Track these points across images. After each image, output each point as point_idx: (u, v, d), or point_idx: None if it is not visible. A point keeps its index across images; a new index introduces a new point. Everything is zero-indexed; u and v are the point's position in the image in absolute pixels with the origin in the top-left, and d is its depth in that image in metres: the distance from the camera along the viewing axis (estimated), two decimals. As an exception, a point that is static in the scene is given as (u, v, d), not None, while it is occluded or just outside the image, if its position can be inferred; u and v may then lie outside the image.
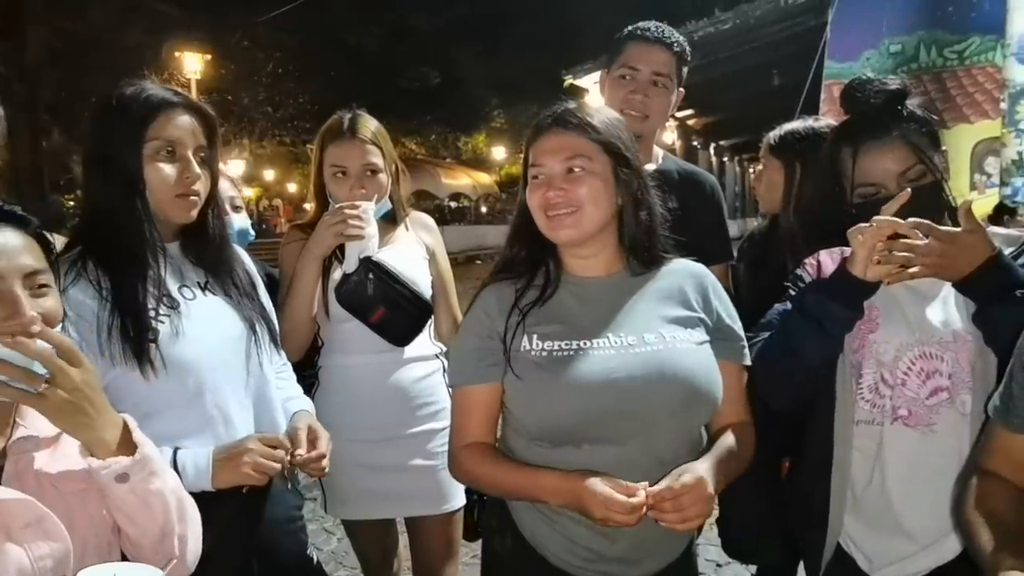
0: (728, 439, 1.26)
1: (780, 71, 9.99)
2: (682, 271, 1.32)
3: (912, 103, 1.35)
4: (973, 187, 3.36)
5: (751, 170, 26.74)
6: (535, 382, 1.20)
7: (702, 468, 1.14)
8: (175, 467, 1.17)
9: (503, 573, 1.34)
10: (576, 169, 1.21)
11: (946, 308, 1.32)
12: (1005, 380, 1.02)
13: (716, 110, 14.70)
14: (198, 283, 1.33)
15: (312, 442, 1.37)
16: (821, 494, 1.39)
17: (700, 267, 1.35)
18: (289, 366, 1.58)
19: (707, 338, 1.27)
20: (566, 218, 1.21)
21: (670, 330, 1.24)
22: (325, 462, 1.37)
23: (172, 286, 1.27)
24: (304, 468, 1.36)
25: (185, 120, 1.27)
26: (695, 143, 17.58)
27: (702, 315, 1.28)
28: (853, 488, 1.37)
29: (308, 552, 1.43)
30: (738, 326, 1.32)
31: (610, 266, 1.29)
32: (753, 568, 2.23)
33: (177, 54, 17.92)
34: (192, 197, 1.29)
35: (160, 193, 1.26)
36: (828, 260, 1.45)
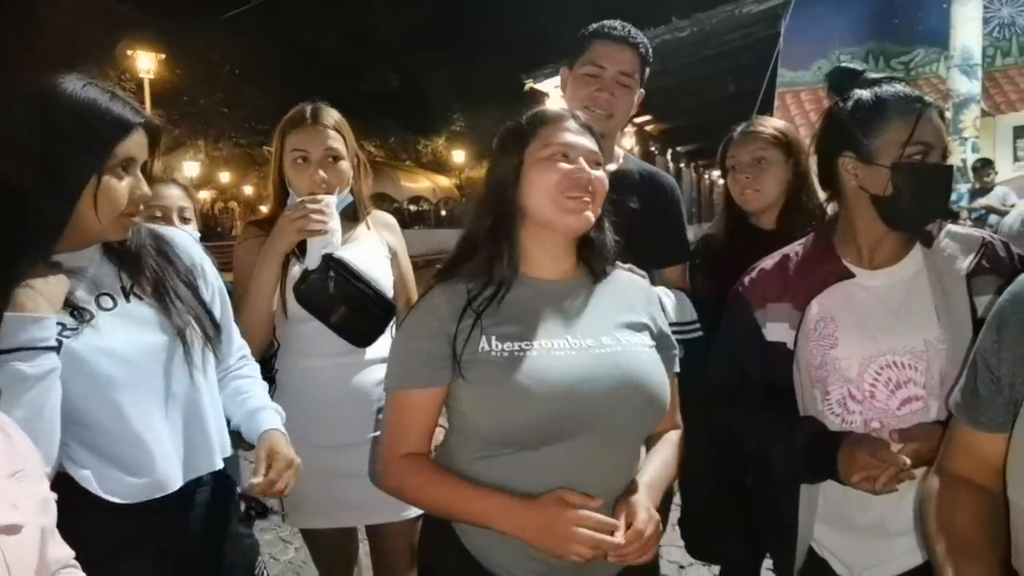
0: (663, 455, 1.30)
1: (735, 79, 10.21)
2: (626, 279, 1.34)
3: None
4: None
5: (706, 176, 27.24)
6: (496, 384, 1.16)
7: (647, 502, 1.18)
8: None
9: None
10: (597, 165, 1.24)
11: (917, 316, 1.29)
12: (967, 377, 1.01)
13: (673, 116, 14.91)
14: (121, 288, 1.24)
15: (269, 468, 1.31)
16: (790, 506, 1.38)
17: (639, 277, 1.38)
18: (251, 361, 1.51)
19: (653, 343, 1.28)
20: (588, 205, 1.21)
21: (624, 334, 1.24)
22: (280, 484, 1.31)
23: (87, 296, 1.19)
24: (262, 494, 1.31)
25: (141, 137, 1.20)
26: (653, 148, 17.80)
27: (647, 322, 1.30)
28: (826, 498, 1.35)
29: (257, 571, 1.37)
30: (671, 335, 1.35)
31: (568, 269, 1.29)
32: (716, 569, 2.26)
33: (129, 52, 17.44)
34: (136, 217, 1.23)
35: (109, 210, 1.17)
36: (770, 264, 1.44)
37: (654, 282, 1.59)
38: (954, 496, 1.00)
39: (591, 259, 1.29)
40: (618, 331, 1.24)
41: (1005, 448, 0.94)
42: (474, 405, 1.19)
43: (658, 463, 1.27)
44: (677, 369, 1.33)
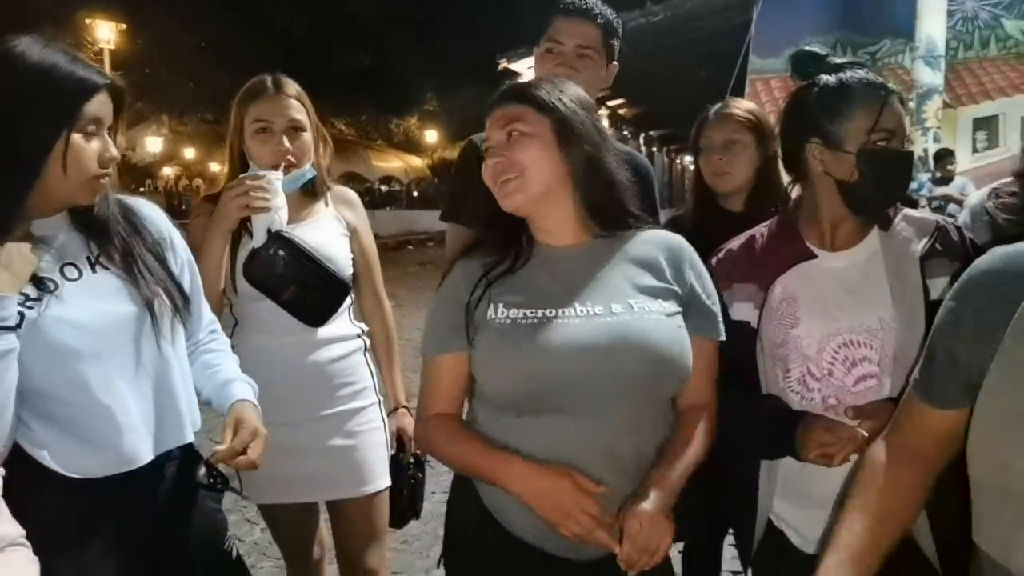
0: (687, 439, 1.25)
1: (708, 65, 10.27)
2: (656, 240, 1.30)
3: None
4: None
5: (678, 161, 27.44)
6: (497, 349, 1.20)
7: (651, 509, 1.13)
8: None
9: (466, 541, 1.32)
10: (513, 134, 1.22)
11: (873, 296, 1.32)
12: (925, 355, 1.03)
13: (646, 101, 14.97)
14: (88, 258, 1.21)
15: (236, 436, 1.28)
16: (751, 481, 1.41)
17: (677, 238, 1.32)
18: (221, 336, 1.49)
19: (678, 310, 1.25)
20: (511, 183, 1.21)
21: (639, 300, 1.22)
22: (251, 454, 1.28)
23: (51, 267, 1.16)
24: (229, 464, 1.28)
25: (106, 99, 1.18)
26: (626, 132, 17.87)
27: (674, 286, 1.26)
28: (785, 472, 1.38)
29: (226, 546, 1.36)
30: (712, 301, 1.29)
31: (578, 235, 1.28)
32: (679, 545, 2.30)
33: (88, 20, 16.82)
34: (104, 180, 1.21)
35: (79, 171, 1.15)
36: (736, 245, 1.46)
37: None
38: (892, 468, 1.06)
39: (593, 220, 1.27)
40: (632, 297, 1.22)
41: (954, 425, 0.98)
42: (480, 370, 1.24)
43: (675, 458, 1.21)
44: (721, 335, 1.29)
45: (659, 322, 1.21)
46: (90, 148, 1.16)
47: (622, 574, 1.15)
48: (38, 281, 1.13)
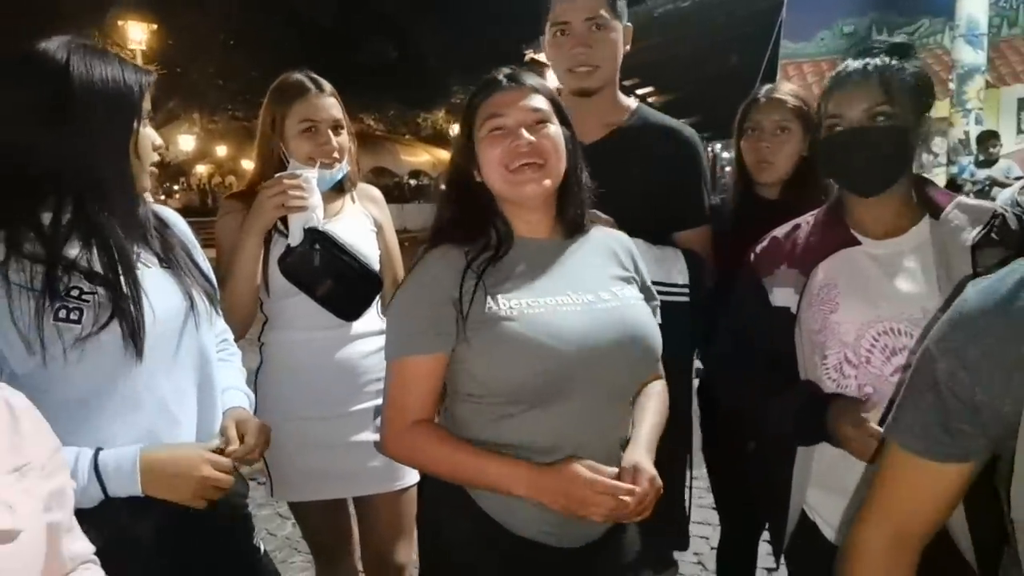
0: (654, 410, 1.31)
1: (738, 50, 10.06)
2: (608, 235, 1.37)
3: (912, 63, 1.30)
4: (921, 167, 3.42)
5: (709, 149, 27.03)
6: (509, 341, 1.16)
7: (650, 466, 1.20)
8: (97, 472, 1.10)
9: (468, 553, 1.25)
10: (541, 123, 1.23)
11: (918, 286, 1.29)
12: (926, 407, 0.89)
13: (676, 88, 14.74)
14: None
15: (241, 437, 1.30)
16: (785, 469, 1.39)
17: (622, 234, 1.40)
18: (232, 346, 1.50)
19: (642, 296, 1.32)
20: (533, 171, 1.20)
21: (619, 288, 1.27)
22: (257, 451, 1.32)
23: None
24: (240, 462, 1.30)
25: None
26: (654, 121, 17.61)
27: (634, 275, 1.34)
28: (820, 459, 1.37)
29: (255, 542, 1.37)
30: (652, 287, 1.39)
31: (548, 229, 1.30)
32: (713, 542, 2.27)
33: (120, 22, 17.10)
34: (155, 168, 1.28)
35: (147, 156, 1.22)
36: (780, 233, 1.45)
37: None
38: (884, 552, 0.95)
39: (567, 216, 1.30)
40: (613, 285, 1.27)
41: (967, 478, 0.89)
42: (485, 366, 1.18)
43: (651, 421, 1.29)
44: (659, 320, 1.35)
45: (641, 308, 1.28)
46: (149, 136, 1.23)
47: (623, 548, 1.26)
48: (95, 277, 1.14)
